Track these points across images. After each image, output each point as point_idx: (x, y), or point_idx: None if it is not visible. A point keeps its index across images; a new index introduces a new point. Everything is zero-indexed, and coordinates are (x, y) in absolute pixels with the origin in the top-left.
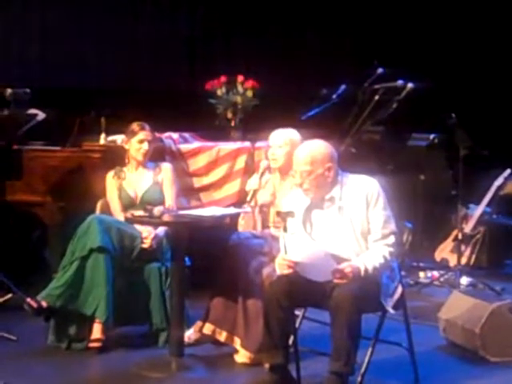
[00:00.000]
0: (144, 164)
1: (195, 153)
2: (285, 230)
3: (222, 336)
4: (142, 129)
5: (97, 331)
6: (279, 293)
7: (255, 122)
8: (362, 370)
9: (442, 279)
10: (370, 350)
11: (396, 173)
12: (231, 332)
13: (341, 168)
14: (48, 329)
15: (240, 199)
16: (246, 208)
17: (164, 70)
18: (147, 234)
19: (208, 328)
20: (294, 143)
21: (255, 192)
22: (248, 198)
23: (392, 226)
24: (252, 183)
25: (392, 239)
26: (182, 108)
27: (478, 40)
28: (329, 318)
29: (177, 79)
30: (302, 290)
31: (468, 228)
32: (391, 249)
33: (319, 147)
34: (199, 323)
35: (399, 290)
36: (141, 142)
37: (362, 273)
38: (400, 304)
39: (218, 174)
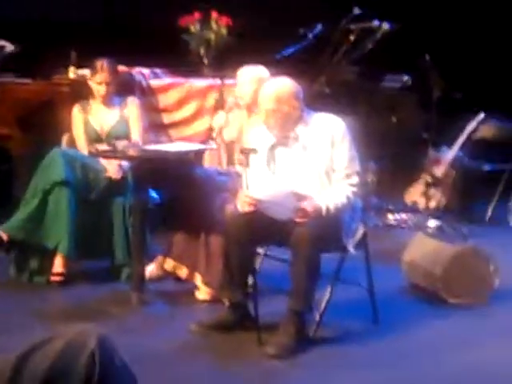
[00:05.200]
0: (110, 100)
1: (166, 89)
2: (247, 165)
3: (183, 272)
4: (102, 69)
5: (58, 265)
6: (239, 230)
7: (229, 59)
8: (321, 309)
9: (410, 222)
10: (329, 289)
11: (368, 114)
12: (192, 268)
13: (313, 108)
14: (9, 262)
15: (210, 136)
16: (212, 144)
17: (137, 4)
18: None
19: (169, 264)
20: (262, 80)
21: (221, 129)
22: (214, 135)
23: (356, 166)
24: (218, 120)
25: (355, 179)
26: (154, 43)
27: None
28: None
29: (149, 15)
30: (263, 228)
31: (439, 171)
32: (354, 189)
33: (285, 85)
34: (160, 258)
35: (361, 230)
36: (99, 84)
37: (324, 212)
38: (361, 244)
39: (189, 110)
